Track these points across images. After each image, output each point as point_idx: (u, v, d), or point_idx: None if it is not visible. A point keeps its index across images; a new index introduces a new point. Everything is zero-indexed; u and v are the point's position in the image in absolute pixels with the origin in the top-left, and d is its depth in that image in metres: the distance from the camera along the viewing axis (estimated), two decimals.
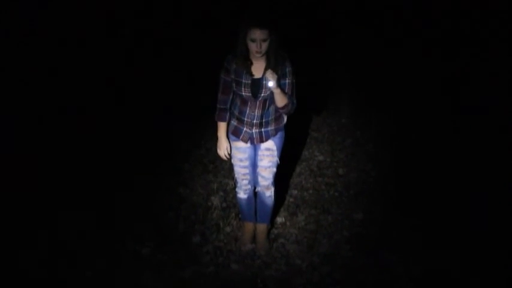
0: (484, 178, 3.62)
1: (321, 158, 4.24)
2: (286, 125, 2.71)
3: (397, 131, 4.64)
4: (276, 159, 2.68)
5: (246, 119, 2.57)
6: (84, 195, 3.46)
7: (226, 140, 2.66)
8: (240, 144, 2.66)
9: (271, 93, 2.44)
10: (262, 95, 2.48)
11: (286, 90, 2.45)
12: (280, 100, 2.41)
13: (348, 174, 3.94)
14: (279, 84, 2.39)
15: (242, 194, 2.82)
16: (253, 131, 2.59)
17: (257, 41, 2.29)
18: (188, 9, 6.81)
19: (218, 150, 2.69)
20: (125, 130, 4.55)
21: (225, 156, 2.68)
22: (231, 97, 2.58)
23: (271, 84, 2.34)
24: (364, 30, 6.90)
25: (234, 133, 2.63)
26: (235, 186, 2.86)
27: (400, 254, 2.83)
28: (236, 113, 2.60)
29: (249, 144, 2.65)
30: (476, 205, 3.28)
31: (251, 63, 2.44)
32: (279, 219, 3.28)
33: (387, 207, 3.39)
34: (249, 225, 2.95)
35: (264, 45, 2.31)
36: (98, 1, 6.08)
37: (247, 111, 2.55)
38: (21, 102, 4.62)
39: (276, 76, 2.34)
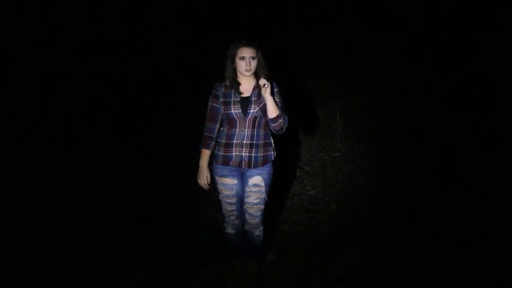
0: (481, 212, 3.57)
1: (312, 192, 4.18)
2: (275, 161, 2.66)
3: (390, 165, 4.60)
4: (263, 196, 2.62)
5: (235, 141, 2.54)
6: (66, 226, 3.38)
7: (207, 169, 2.62)
8: (227, 180, 2.61)
9: (261, 111, 2.49)
10: (252, 111, 2.50)
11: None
12: (273, 110, 2.45)
13: (340, 210, 3.87)
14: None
15: (230, 229, 2.74)
16: (243, 154, 2.54)
17: (246, 59, 2.43)
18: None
19: (198, 179, 2.63)
20: (109, 161, 4.50)
21: (205, 185, 2.63)
22: (217, 125, 2.60)
23: (266, 85, 2.38)
24: (355, 67, 6.98)
25: (224, 162, 2.58)
26: (223, 221, 2.78)
27: None
28: (224, 140, 2.57)
29: (236, 181, 2.60)
30: (472, 241, 3.21)
31: (239, 84, 2.53)
32: (269, 256, 3.18)
33: (381, 243, 3.30)
34: (237, 262, 2.85)
35: (253, 63, 2.46)
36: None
37: (237, 132, 2.54)
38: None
39: (269, 83, 2.41)
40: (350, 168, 4.66)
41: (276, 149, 2.67)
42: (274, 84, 2.55)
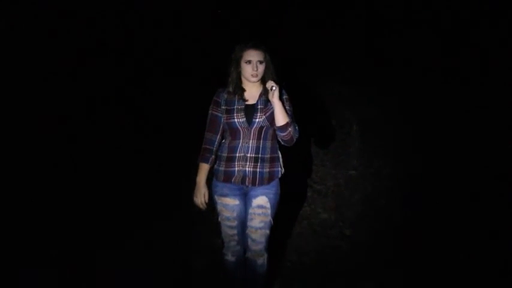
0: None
1: (324, 215, 4.18)
2: (282, 179, 2.67)
3: (413, 185, 4.58)
4: (269, 219, 2.62)
5: (238, 154, 2.56)
6: (65, 255, 3.50)
7: (205, 186, 2.63)
8: (228, 200, 2.62)
9: (267, 120, 2.51)
10: (257, 120, 2.53)
11: None
12: (282, 116, 2.45)
13: (356, 236, 3.87)
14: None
15: (230, 256, 2.73)
16: (247, 169, 2.56)
17: (253, 63, 2.47)
18: None
19: (194, 198, 2.64)
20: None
21: (202, 204, 2.64)
22: (218, 137, 2.62)
23: (274, 87, 2.40)
24: (375, 71, 6.99)
25: (225, 178, 2.59)
26: (222, 247, 2.78)
27: None
28: (225, 154, 2.60)
29: (237, 202, 2.62)
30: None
31: (244, 91, 2.57)
32: None
33: (403, 275, 3.30)
34: None
35: (261, 68, 2.50)
36: None
37: (240, 144, 2.56)
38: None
39: (278, 86, 2.42)
40: (368, 188, 4.65)
41: (284, 165, 2.68)
42: (283, 91, 2.57)
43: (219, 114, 2.59)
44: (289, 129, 2.48)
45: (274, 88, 2.42)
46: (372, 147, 5.36)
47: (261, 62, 2.50)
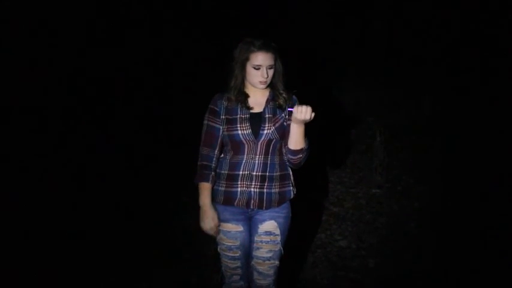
0: None
1: (343, 243, 4.16)
2: (293, 200, 2.64)
3: (447, 207, 4.57)
4: (278, 247, 2.59)
5: (242, 172, 2.53)
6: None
7: (212, 207, 2.58)
8: (230, 226, 2.58)
9: (277, 132, 2.50)
10: (266, 131, 2.50)
11: None
12: (300, 140, 2.43)
13: (381, 267, 3.84)
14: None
15: None
16: (253, 189, 2.53)
17: (263, 69, 2.45)
18: None
19: (201, 223, 2.59)
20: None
21: (212, 229, 2.59)
22: (216, 152, 2.59)
23: (303, 116, 2.30)
24: (401, 71, 7.03)
25: (226, 201, 2.56)
26: (221, 283, 2.74)
27: None
28: (225, 171, 2.57)
29: (241, 228, 2.59)
30: None
31: (248, 96, 2.56)
32: None
33: None
34: None
35: (271, 73, 2.48)
36: None
37: (244, 160, 2.53)
38: None
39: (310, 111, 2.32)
40: (395, 209, 4.64)
41: (295, 183, 2.65)
42: (295, 98, 2.55)
43: (217, 126, 2.56)
44: (301, 155, 2.47)
45: (306, 117, 2.31)
46: (399, 161, 5.35)
47: (271, 67, 2.48)
